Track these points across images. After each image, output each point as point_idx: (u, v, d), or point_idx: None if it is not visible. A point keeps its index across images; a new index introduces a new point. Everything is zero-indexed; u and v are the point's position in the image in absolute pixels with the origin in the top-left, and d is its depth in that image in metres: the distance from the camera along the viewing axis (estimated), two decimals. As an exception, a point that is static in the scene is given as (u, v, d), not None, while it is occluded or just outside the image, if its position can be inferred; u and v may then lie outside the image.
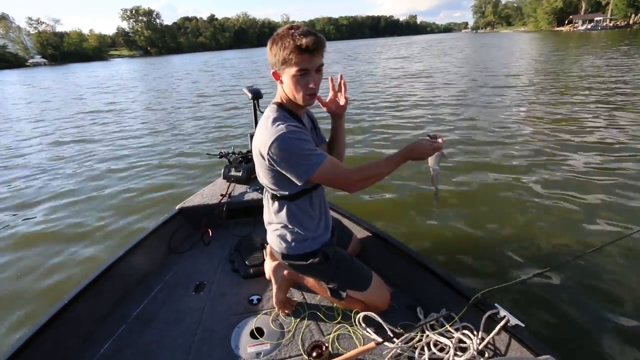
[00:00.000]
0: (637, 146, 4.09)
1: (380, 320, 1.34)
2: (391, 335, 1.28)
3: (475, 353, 1.14)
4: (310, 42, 1.02)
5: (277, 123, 1.10)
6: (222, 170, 2.31)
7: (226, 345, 1.31)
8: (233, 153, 2.43)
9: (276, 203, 1.27)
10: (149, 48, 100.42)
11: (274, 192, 1.24)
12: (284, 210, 1.26)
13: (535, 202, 2.99)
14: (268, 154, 1.09)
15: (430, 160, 1.25)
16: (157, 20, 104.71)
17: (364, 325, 1.36)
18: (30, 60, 70.67)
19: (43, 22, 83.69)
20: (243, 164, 2.31)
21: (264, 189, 1.31)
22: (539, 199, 3.03)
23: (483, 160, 4.03)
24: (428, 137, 1.22)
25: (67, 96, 14.03)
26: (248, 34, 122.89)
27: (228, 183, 2.23)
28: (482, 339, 1.17)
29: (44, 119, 9.00)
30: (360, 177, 1.16)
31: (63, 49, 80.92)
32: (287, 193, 1.22)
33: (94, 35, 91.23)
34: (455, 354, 1.16)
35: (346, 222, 1.83)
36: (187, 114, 8.33)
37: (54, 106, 11.32)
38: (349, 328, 1.36)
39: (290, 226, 1.28)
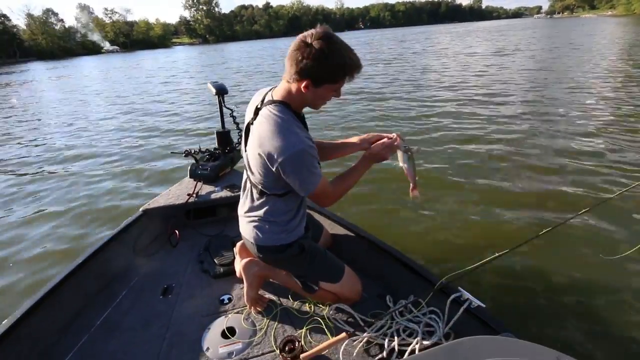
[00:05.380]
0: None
1: (351, 311, 1.36)
2: (362, 324, 1.30)
3: (441, 336, 1.18)
4: (361, 65, 1.09)
5: (295, 131, 1.09)
6: (189, 169, 2.20)
7: (196, 348, 1.28)
8: (200, 151, 2.33)
9: (263, 198, 1.26)
10: (207, 36, 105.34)
11: (264, 190, 1.22)
12: (269, 205, 1.25)
13: (492, 189, 3.13)
14: (280, 161, 1.07)
15: (399, 159, 1.29)
16: (216, 9, 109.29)
17: (335, 316, 1.37)
18: (105, 48, 77.89)
19: (117, 12, 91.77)
20: (210, 162, 2.23)
21: (246, 181, 1.30)
22: (494, 187, 3.17)
23: (435, 151, 4.11)
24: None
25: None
26: (301, 22, 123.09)
27: (195, 182, 2.13)
28: (448, 322, 1.20)
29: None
30: (336, 197, 1.25)
31: (132, 37, 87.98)
32: (279, 192, 1.22)
33: (160, 24, 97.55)
34: (422, 338, 1.19)
35: (316, 215, 1.81)
36: (158, 112, 7.92)
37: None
38: (321, 321, 1.35)
39: (271, 219, 1.27)
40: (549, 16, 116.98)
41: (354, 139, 1.39)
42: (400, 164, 1.30)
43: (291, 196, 1.23)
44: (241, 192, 1.36)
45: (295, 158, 1.06)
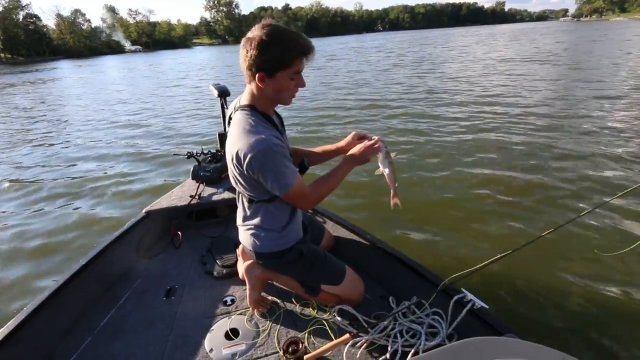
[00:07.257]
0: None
1: (355, 312, 1.36)
2: (365, 325, 1.30)
3: (444, 337, 1.18)
4: (312, 46, 1.07)
5: (259, 131, 1.09)
6: (191, 171, 2.22)
7: (200, 349, 1.28)
8: (202, 153, 2.35)
9: (253, 206, 1.26)
10: (227, 37, 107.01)
11: (251, 197, 1.23)
12: (262, 212, 1.26)
13: (495, 190, 3.15)
14: (248, 162, 1.07)
15: (380, 163, 1.28)
16: (236, 10, 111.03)
17: (339, 318, 1.37)
18: (128, 47, 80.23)
19: (140, 13, 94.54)
20: (213, 163, 2.25)
21: (237, 192, 1.30)
22: (497, 188, 3.19)
23: (446, 154, 4.12)
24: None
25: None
26: (320, 23, 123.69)
27: (197, 184, 2.14)
28: (451, 323, 1.20)
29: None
30: (315, 199, 1.23)
31: (155, 37, 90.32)
32: (265, 197, 1.21)
33: (181, 25, 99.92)
34: (426, 339, 1.19)
35: (318, 217, 1.82)
36: (162, 113, 7.94)
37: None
38: (325, 322, 1.36)
39: (265, 226, 1.27)
40: (575, 19, 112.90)
41: (342, 142, 1.38)
42: (381, 169, 1.28)
43: (281, 201, 1.22)
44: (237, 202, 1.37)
45: (260, 156, 1.05)
